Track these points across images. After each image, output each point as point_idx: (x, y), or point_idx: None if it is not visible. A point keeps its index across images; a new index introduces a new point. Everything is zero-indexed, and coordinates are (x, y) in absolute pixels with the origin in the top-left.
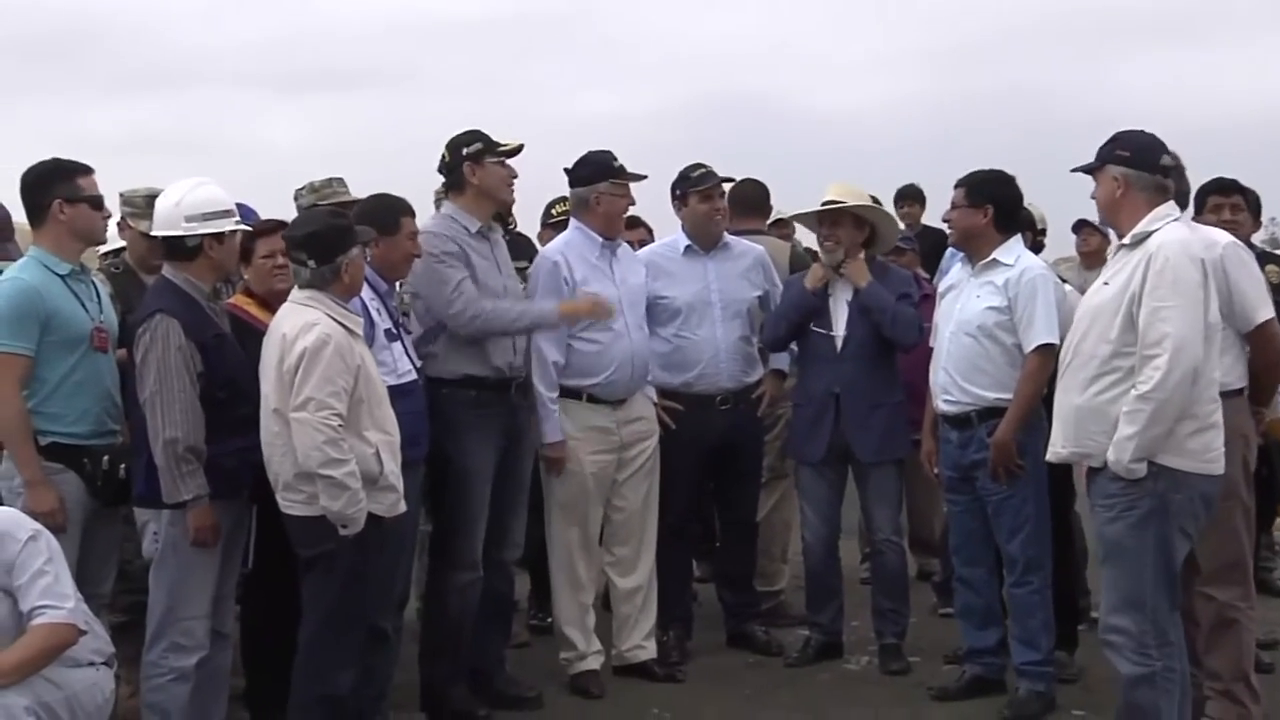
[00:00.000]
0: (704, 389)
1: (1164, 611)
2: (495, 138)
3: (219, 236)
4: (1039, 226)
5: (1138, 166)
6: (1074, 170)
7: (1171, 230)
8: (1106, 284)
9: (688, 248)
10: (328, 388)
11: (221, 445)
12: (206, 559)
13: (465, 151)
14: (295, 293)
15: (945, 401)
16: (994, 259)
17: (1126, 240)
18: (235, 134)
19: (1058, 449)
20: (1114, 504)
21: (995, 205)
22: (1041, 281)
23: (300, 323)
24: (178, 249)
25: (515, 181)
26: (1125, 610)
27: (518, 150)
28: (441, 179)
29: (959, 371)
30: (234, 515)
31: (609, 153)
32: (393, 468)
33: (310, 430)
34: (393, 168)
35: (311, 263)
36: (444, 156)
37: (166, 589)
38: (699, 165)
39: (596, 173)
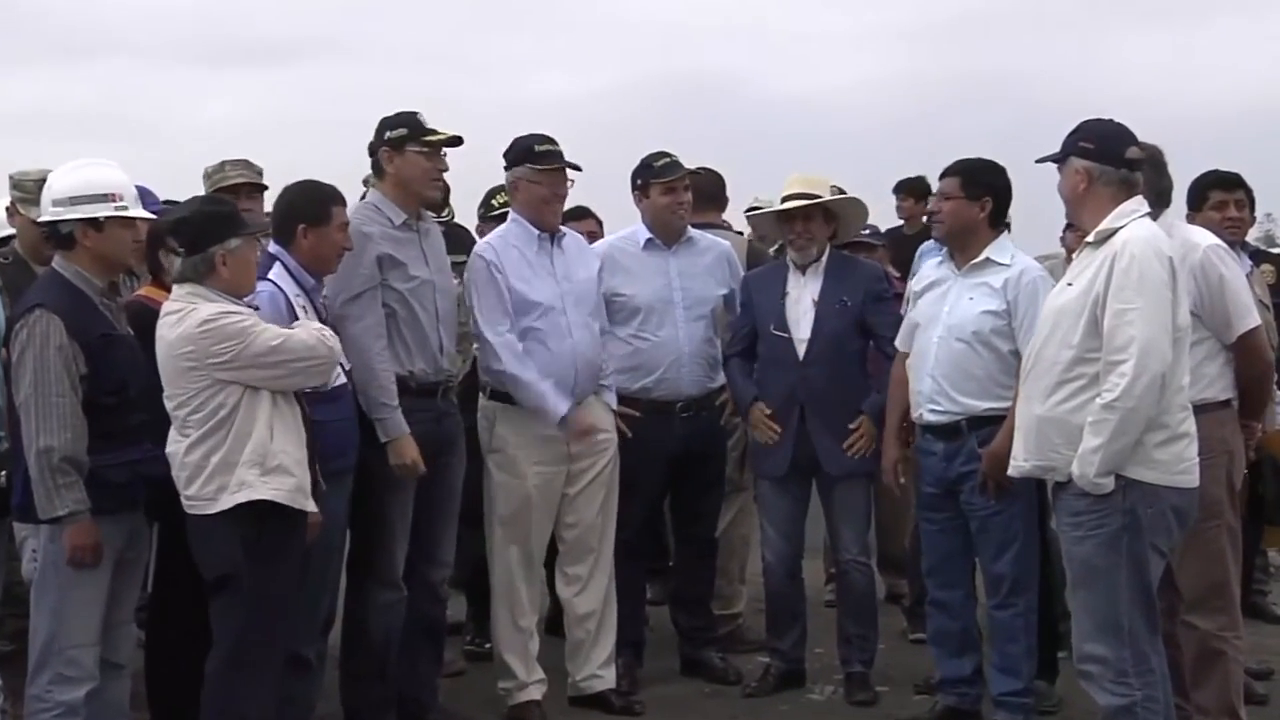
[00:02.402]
0: (664, 395)
1: (1143, 635)
2: (430, 124)
3: (95, 224)
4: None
5: (1102, 160)
6: (1038, 161)
7: (1138, 227)
8: (1070, 285)
9: (649, 241)
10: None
11: (109, 456)
12: (92, 580)
13: (387, 135)
14: (175, 289)
15: (932, 411)
16: (987, 258)
17: (1090, 238)
18: (157, 110)
19: (1019, 462)
20: (1081, 522)
21: (994, 198)
22: (1043, 283)
23: (184, 314)
24: (55, 237)
25: (443, 176)
26: (1101, 636)
27: (452, 142)
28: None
29: (948, 379)
30: (126, 532)
31: (536, 135)
32: (285, 447)
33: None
34: (330, 148)
35: (181, 252)
36: (374, 135)
37: (48, 614)
38: (663, 154)
39: (517, 157)
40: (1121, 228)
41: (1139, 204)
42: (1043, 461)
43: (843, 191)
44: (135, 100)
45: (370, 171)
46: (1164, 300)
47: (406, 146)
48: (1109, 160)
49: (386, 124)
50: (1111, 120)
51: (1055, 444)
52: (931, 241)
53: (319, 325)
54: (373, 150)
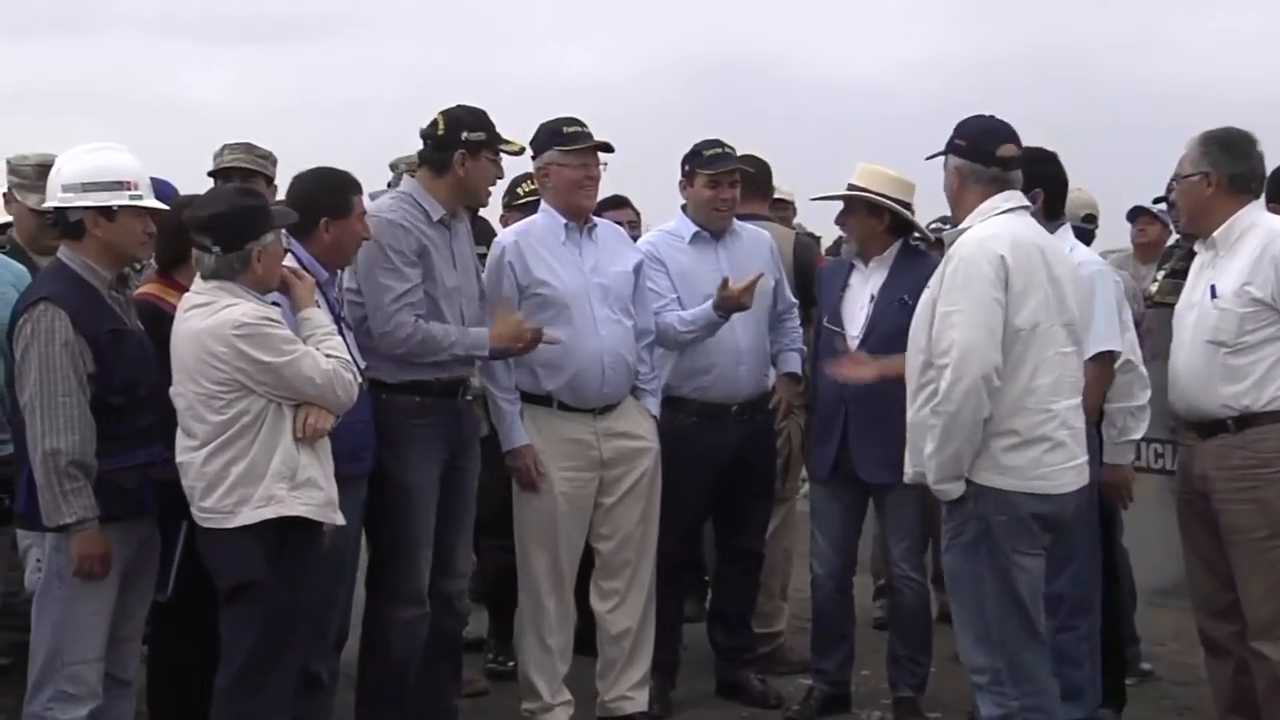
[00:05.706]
0: (721, 396)
1: (1018, 644)
2: (500, 130)
3: (107, 213)
4: (1084, 213)
5: (973, 158)
6: (928, 158)
7: (983, 226)
8: (929, 289)
9: (695, 235)
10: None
11: (118, 459)
12: (98, 592)
13: (466, 136)
14: (197, 283)
15: None
16: None
17: (946, 239)
18: (156, 88)
19: (907, 469)
20: (947, 529)
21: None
22: (1100, 279)
23: (215, 309)
24: (63, 225)
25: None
26: (978, 646)
27: (519, 152)
28: (421, 145)
29: None
30: (136, 540)
31: (564, 118)
32: (312, 459)
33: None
34: (339, 130)
35: (216, 249)
36: (436, 125)
37: (51, 627)
38: (715, 143)
39: (545, 140)
40: (970, 228)
41: (1004, 199)
42: (917, 468)
43: (911, 189)
44: (136, 77)
45: (416, 158)
46: (987, 301)
47: (483, 153)
48: (979, 158)
49: (463, 123)
50: (988, 117)
51: (920, 450)
52: None
53: (346, 361)
54: (443, 146)
